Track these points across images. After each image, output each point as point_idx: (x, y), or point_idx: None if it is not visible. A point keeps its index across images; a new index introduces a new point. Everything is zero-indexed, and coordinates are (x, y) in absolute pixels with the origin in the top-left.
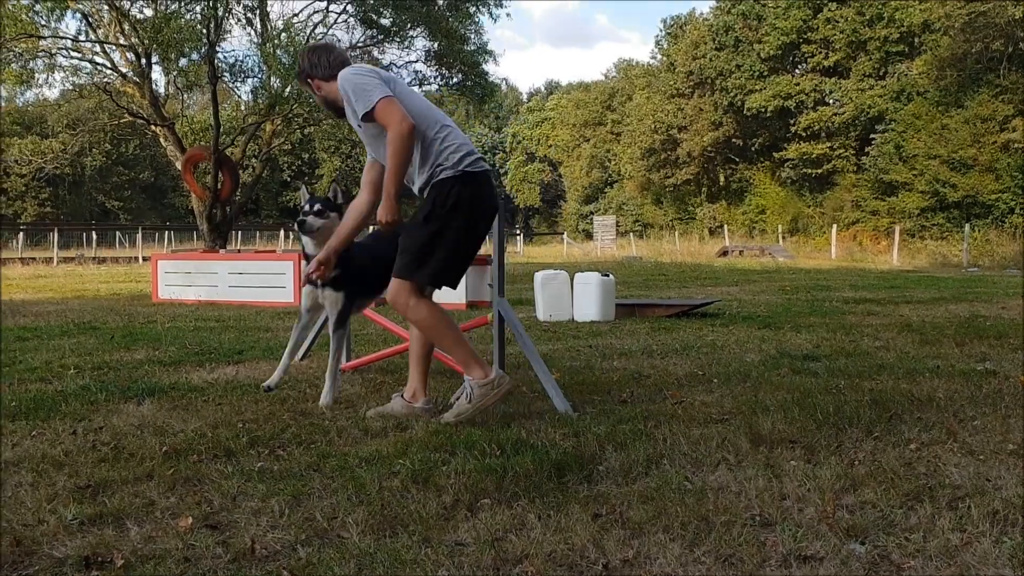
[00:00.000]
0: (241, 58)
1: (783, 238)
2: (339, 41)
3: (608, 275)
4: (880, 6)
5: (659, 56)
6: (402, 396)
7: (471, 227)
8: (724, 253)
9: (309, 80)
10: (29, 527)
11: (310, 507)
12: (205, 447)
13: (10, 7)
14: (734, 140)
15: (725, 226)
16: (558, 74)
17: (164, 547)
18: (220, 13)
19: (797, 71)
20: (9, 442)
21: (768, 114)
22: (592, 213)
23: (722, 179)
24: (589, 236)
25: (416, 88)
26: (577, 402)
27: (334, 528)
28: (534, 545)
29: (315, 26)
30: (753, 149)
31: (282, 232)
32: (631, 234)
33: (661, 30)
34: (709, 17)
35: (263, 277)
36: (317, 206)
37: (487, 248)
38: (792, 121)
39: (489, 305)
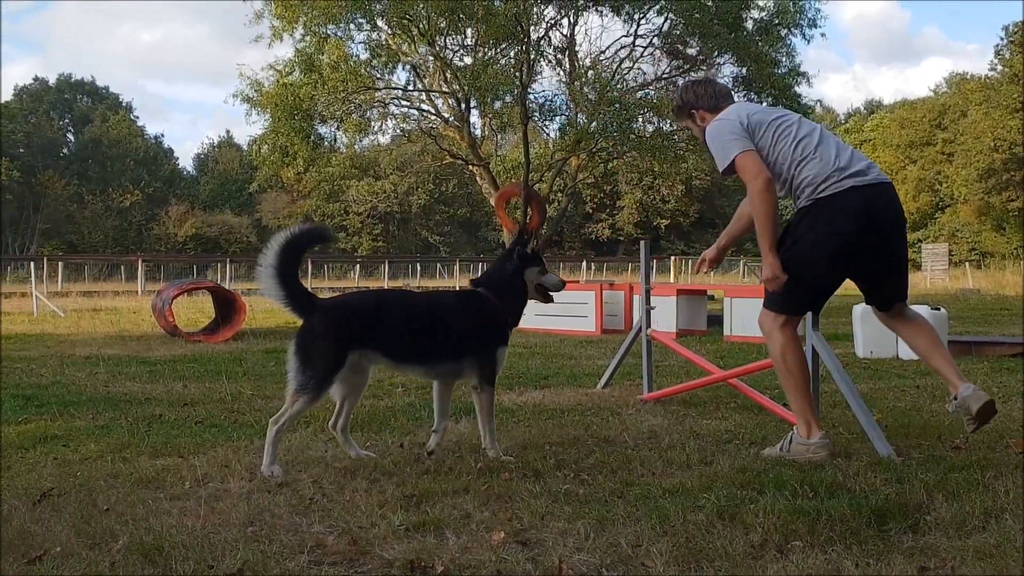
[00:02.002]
0: (550, 97)
1: None
2: (644, 74)
3: (939, 308)
4: None
5: (1000, 67)
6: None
7: (819, 253)
8: None
9: (693, 111)
10: (363, 529)
11: (614, 533)
12: (515, 466)
13: (352, 63)
14: None
15: None
16: (879, 93)
17: (478, 558)
18: (532, 56)
19: None
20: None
21: None
22: (920, 241)
23: None
24: (917, 266)
25: None
26: (901, 446)
27: (638, 556)
28: None
29: (621, 61)
30: None
31: (584, 263)
32: (966, 264)
33: (1002, 38)
34: None
35: (567, 307)
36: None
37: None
38: None
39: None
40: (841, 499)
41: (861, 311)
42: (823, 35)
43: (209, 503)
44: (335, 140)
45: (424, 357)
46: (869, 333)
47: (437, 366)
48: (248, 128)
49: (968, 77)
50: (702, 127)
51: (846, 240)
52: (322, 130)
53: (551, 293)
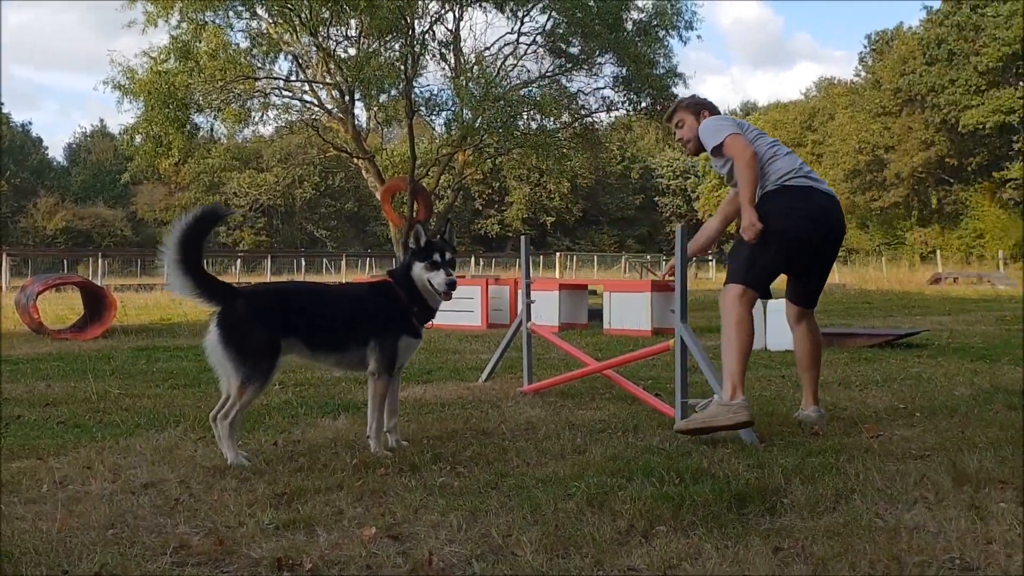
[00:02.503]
0: (436, 92)
1: (1004, 264)
2: (528, 72)
3: None
4: None
5: (863, 73)
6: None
7: (781, 238)
8: (936, 280)
9: (703, 110)
10: (231, 529)
11: (486, 523)
12: (391, 461)
13: (231, 52)
14: (947, 160)
15: (938, 252)
16: (755, 95)
17: (349, 554)
18: (417, 50)
19: (1022, 83)
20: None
21: (987, 131)
22: None
23: (935, 202)
24: None
25: (603, 114)
26: (764, 433)
27: (508, 545)
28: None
29: (505, 58)
30: (969, 169)
31: (472, 258)
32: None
33: (866, 46)
34: (919, 30)
35: (453, 302)
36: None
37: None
38: (1015, 138)
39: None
40: (705, 484)
41: None
42: (699, 37)
43: (67, 506)
44: (213, 130)
45: (335, 345)
46: None
47: (347, 354)
48: (121, 117)
49: (835, 82)
50: (698, 123)
51: (809, 233)
52: (199, 120)
53: (440, 292)
